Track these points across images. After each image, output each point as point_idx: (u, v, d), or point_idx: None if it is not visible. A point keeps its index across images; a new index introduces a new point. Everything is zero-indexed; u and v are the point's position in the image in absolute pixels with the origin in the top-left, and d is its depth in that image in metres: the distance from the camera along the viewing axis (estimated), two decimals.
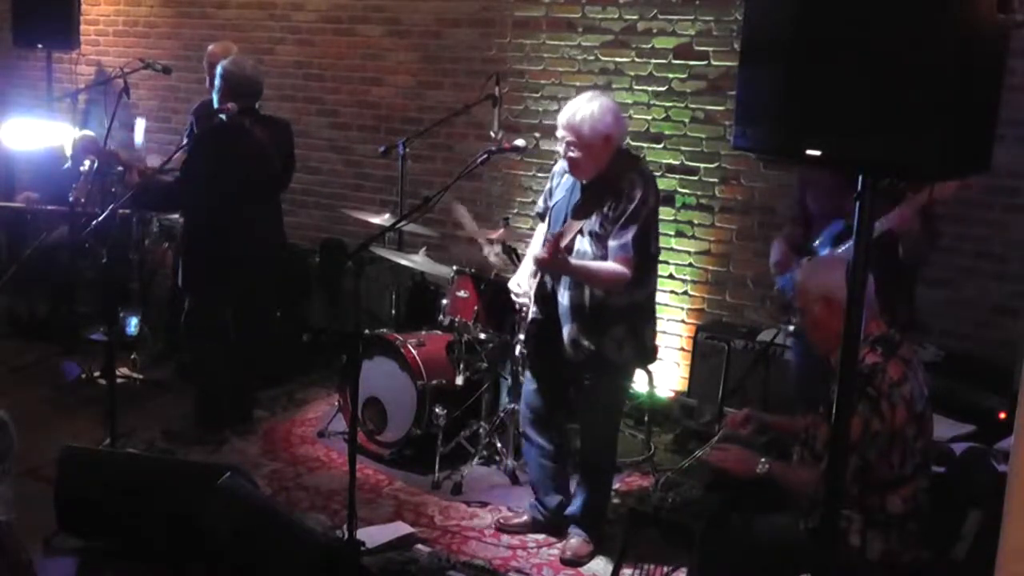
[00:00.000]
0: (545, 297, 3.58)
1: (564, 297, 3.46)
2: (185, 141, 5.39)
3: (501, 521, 3.90)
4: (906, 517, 2.72)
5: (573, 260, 3.36)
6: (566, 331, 3.46)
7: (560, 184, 3.58)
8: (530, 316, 3.64)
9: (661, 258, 4.70)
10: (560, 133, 3.36)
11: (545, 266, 3.42)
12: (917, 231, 3.37)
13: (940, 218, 3.68)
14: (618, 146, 3.40)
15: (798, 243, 3.73)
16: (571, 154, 3.34)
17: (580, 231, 3.39)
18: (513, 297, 3.75)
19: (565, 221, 3.45)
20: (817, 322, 2.88)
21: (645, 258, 3.38)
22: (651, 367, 4.48)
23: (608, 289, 3.38)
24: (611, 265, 3.34)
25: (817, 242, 3.62)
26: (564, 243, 3.32)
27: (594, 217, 3.36)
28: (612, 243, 3.33)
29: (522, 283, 3.72)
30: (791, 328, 3.64)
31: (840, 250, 3.42)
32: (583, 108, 3.32)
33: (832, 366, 2.88)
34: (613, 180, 3.34)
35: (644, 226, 3.32)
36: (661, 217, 4.92)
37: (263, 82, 4.54)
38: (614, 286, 3.36)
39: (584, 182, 3.43)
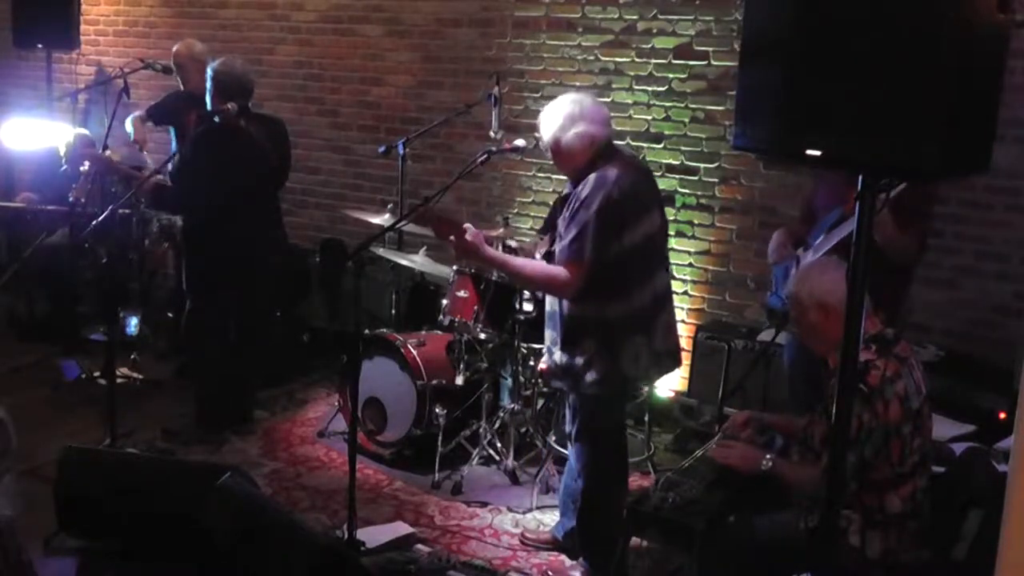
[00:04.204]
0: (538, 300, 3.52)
1: (546, 300, 3.40)
2: (172, 133, 5.42)
3: (526, 533, 3.84)
4: (905, 516, 2.72)
5: (491, 250, 3.25)
6: (546, 337, 3.40)
7: None
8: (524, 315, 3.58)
9: None
10: None
11: (456, 251, 3.25)
12: (895, 236, 3.28)
13: (930, 219, 3.65)
14: (576, 147, 3.22)
15: (799, 236, 3.73)
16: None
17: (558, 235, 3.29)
18: None
19: None
20: (814, 329, 2.87)
21: (609, 266, 3.11)
22: None
23: (547, 292, 3.26)
24: (544, 265, 3.22)
25: (811, 235, 3.62)
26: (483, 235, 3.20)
27: (560, 220, 3.26)
28: (558, 246, 3.20)
29: None
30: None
31: (831, 237, 3.38)
32: (544, 112, 3.31)
33: (831, 366, 2.89)
34: (579, 181, 3.22)
35: (583, 232, 3.08)
36: None
37: (253, 80, 4.54)
38: (550, 289, 3.22)
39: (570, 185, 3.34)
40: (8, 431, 2.76)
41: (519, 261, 3.29)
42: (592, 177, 3.16)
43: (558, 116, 3.25)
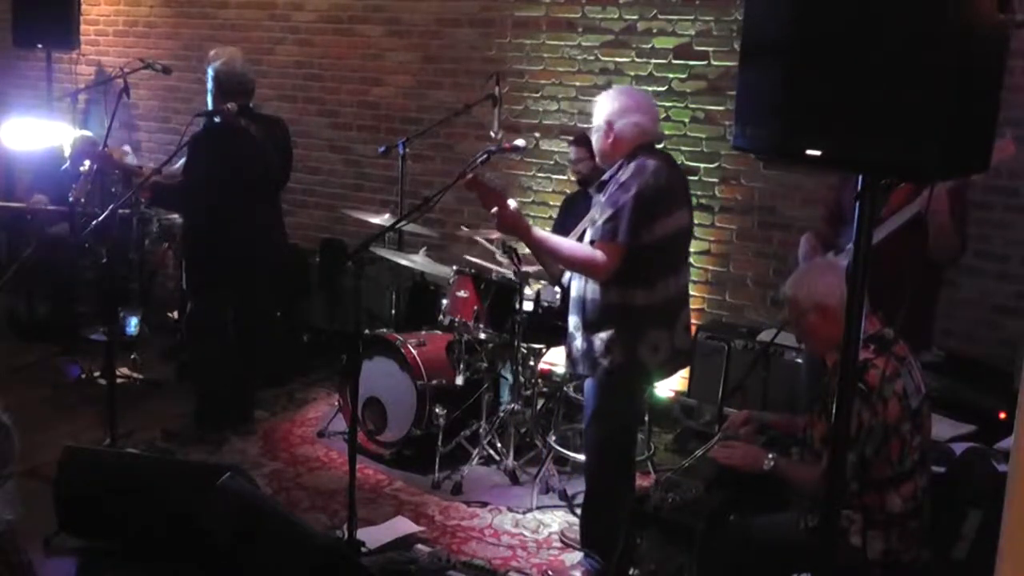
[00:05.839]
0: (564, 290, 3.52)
1: (571, 287, 3.40)
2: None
3: (567, 532, 3.85)
4: (906, 516, 2.72)
5: (531, 225, 3.24)
6: (569, 323, 3.40)
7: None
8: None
9: None
10: None
11: (499, 223, 3.24)
12: (947, 223, 3.29)
13: (966, 220, 3.64)
14: (627, 135, 3.25)
15: (827, 240, 3.71)
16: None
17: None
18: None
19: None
20: (813, 330, 2.87)
21: (637, 254, 3.13)
22: None
23: (583, 272, 3.26)
24: (582, 245, 3.24)
25: (844, 237, 3.60)
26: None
27: (597, 205, 3.28)
28: (592, 227, 3.24)
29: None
30: None
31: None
32: (601, 96, 3.36)
33: (829, 366, 2.89)
34: (617, 170, 3.26)
35: (619, 212, 3.11)
36: None
37: (254, 79, 4.54)
38: (587, 269, 3.22)
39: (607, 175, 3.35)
40: (12, 437, 2.75)
41: (557, 239, 3.28)
42: (633, 164, 3.21)
43: (616, 101, 3.30)
